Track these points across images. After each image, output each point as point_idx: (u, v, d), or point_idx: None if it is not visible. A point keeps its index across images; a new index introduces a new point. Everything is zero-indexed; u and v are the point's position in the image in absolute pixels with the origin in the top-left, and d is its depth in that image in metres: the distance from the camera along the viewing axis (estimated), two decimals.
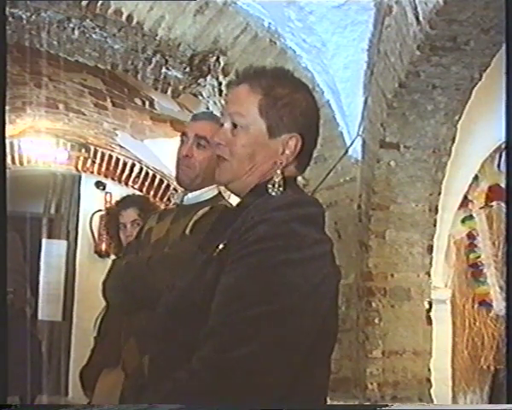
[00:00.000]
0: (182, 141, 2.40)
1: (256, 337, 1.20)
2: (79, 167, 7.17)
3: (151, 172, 6.92)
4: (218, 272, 1.29)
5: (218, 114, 3.60)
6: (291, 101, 1.42)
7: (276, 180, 1.39)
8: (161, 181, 6.90)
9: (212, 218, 2.13)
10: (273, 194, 1.38)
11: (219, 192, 2.38)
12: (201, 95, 3.74)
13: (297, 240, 1.27)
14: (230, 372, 1.19)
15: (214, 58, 3.44)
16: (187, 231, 2.25)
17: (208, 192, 2.37)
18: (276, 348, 1.21)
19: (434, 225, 3.35)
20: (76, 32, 3.50)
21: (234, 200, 1.95)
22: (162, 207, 5.98)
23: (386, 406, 3.07)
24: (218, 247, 1.33)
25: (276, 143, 1.41)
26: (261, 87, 1.42)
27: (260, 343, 1.20)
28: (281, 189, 1.38)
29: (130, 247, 2.64)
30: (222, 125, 1.46)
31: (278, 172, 1.39)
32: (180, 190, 2.50)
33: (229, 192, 1.58)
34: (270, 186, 1.39)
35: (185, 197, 2.38)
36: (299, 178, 1.54)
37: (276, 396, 1.23)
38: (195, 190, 2.36)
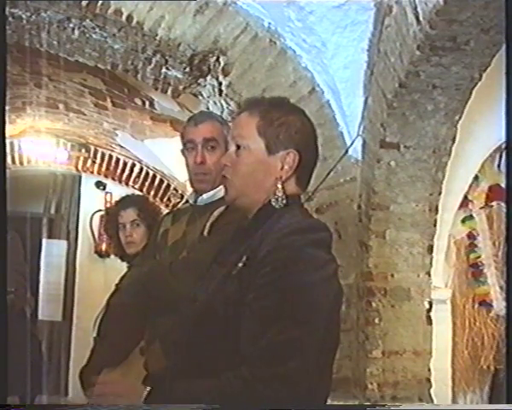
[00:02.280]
0: (188, 149, 2.37)
1: (294, 354, 1.36)
2: (79, 167, 7.17)
3: (151, 172, 6.92)
4: (240, 289, 1.43)
5: (219, 114, 3.61)
6: (286, 121, 1.57)
7: (279, 195, 1.54)
8: (161, 181, 6.90)
9: (229, 218, 2.14)
10: (277, 207, 1.53)
11: None
12: (201, 95, 3.74)
13: (313, 262, 1.43)
14: (273, 385, 1.35)
15: (214, 58, 3.44)
16: (205, 233, 2.24)
17: (221, 190, 2.35)
18: (310, 360, 1.38)
19: (434, 225, 3.34)
20: (76, 32, 3.50)
21: None
22: (162, 207, 5.99)
23: (386, 406, 3.07)
24: (237, 265, 1.47)
25: (275, 159, 1.55)
26: (259, 111, 1.58)
27: (299, 359, 1.36)
28: (284, 202, 1.53)
29: (148, 250, 2.62)
30: (227, 149, 1.65)
31: (279, 187, 1.54)
32: (188, 190, 2.49)
33: None
34: (273, 200, 1.54)
35: (199, 198, 2.36)
36: None
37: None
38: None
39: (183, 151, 2.43)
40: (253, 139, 1.56)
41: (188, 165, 2.38)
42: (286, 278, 1.38)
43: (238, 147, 1.58)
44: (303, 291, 1.39)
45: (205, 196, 2.34)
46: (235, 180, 1.58)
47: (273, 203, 1.53)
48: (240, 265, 1.46)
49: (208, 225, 2.24)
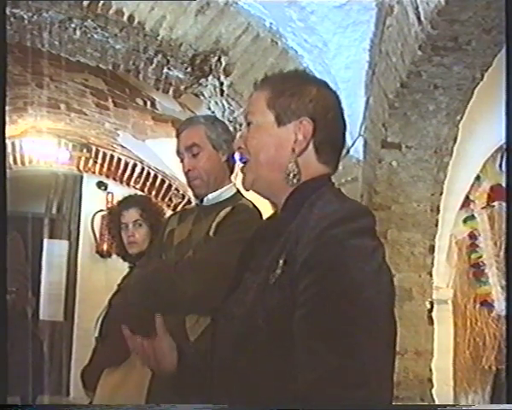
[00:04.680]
0: (181, 160, 2.43)
1: (365, 373, 1.18)
2: (81, 167, 7.18)
3: (152, 173, 6.93)
4: (282, 300, 1.26)
5: (220, 115, 3.61)
6: (299, 90, 1.42)
7: (291, 169, 1.38)
8: (163, 181, 6.90)
9: (235, 218, 2.16)
10: (289, 184, 1.37)
11: (238, 190, 2.39)
12: (203, 95, 3.74)
13: (361, 254, 1.24)
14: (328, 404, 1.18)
15: (216, 58, 3.44)
16: (210, 233, 2.26)
17: (227, 191, 2.38)
18: (380, 373, 1.21)
19: (436, 225, 3.34)
20: (77, 32, 3.50)
21: (251, 196, 1.94)
22: (164, 207, 6.00)
23: (387, 406, 3.06)
24: (274, 271, 1.29)
25: (286, 130, 1.39)
26: (269, 85, 1.44)
27: (359, 366, 1.18)
28: (297, 177, 1.37)
29: (153, 249, 2.64)
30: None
31: (292, 160, 1.38)
32: (189, 190, 2.52)
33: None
34: (285, 176, 1.38)
35: (205, 198, 2.39)
36: None
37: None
38: (214, 191, 2.38)
39: None
40: (261, 114, 1.42)
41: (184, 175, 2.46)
42: (336, 281, 1.20)
43: (248, 124, 1.44)
44: (358, 292, 1.20)
45: (210, 196, 2.36)
46: (250, 161, 1.43)
47: (286, 180, 1.37)
48: (278, 271, 1.28)
49: (214, 225, 2.25)
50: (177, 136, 2.46)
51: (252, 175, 1.43)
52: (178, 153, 2.43)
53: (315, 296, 1.21)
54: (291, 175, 1.37)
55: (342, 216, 1.28)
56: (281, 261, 1.29)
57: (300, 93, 1.41)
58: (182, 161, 2.42)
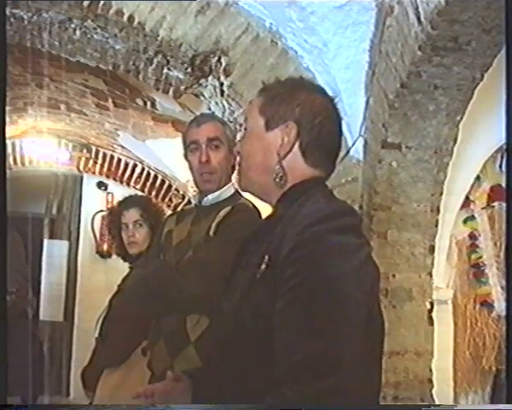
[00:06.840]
0: (192, 150, 2.38)
1: (338, 361, 1.21)
2: (81, 168, 7.18)
3: (153, 173, 6.93)
4: (266, 295, 1.29)
5: (220, 115, 3.61)
6: (289, 96, 1.46)
7: (278, 172, 1.42)
8: (163, 181, 6.90)
9: (235, 218, 2.15)
10: (278, 187, 1.42)
11: (236, 190, 2.37)
12: (203, 95, 3.74)
13: (342, 251, 1.27)
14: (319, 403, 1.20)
15: (216, 58, 3.44)
16: (211, 233, 2.24)
17: (226, 191, 2.36)
18: (354, 363, 1.22)
19: (436, 226, 3.34)
20: (77, 33, 3.50)
21: (249, 196, 1.95)
22: (164, 207, 6.00)
23: (388, 406, 3.07)
24: (259, 267, 1.32)
25: (273, 135, 1.44)
26: (265, 92, 1.50)
27: (342, 364, 1.21)
28: (283, 178, 1.41)
29: (152, 250, 2.63)
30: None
31: (278, 162, 1.42)
32: (189, 191, 2.50)
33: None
34: (272, 179, 1.43)
35: (204, 199, 2.37)
36: None
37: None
38: (216, 191, 2.36)
39: (185, 155, 2.44)
40: (254, 119, 1.47)
41: (192, 167, 2.39)
42: (314, 275, 1.23)
43: (245, 130, 1.52)
44: (335, 287, 1.22)
45: (210, 196, 2.35)
46: (242, 165, 1.50)
47: (275, 183, 1.42)
48: (263, 267, 1.31)
49: (214, 225, 2.24)
50: (190, 127, 2.41)
51: (245, 179, 1.50)
52: (194, 143, 2.36)
53: (293, 289, 1.24)
54: (278, 178, 1.42)
55: (325, 214, 1.32)
56: (266, 257, 1.32)
57: (289, 98, 1.45)
58: (194, 151, 2.36)
